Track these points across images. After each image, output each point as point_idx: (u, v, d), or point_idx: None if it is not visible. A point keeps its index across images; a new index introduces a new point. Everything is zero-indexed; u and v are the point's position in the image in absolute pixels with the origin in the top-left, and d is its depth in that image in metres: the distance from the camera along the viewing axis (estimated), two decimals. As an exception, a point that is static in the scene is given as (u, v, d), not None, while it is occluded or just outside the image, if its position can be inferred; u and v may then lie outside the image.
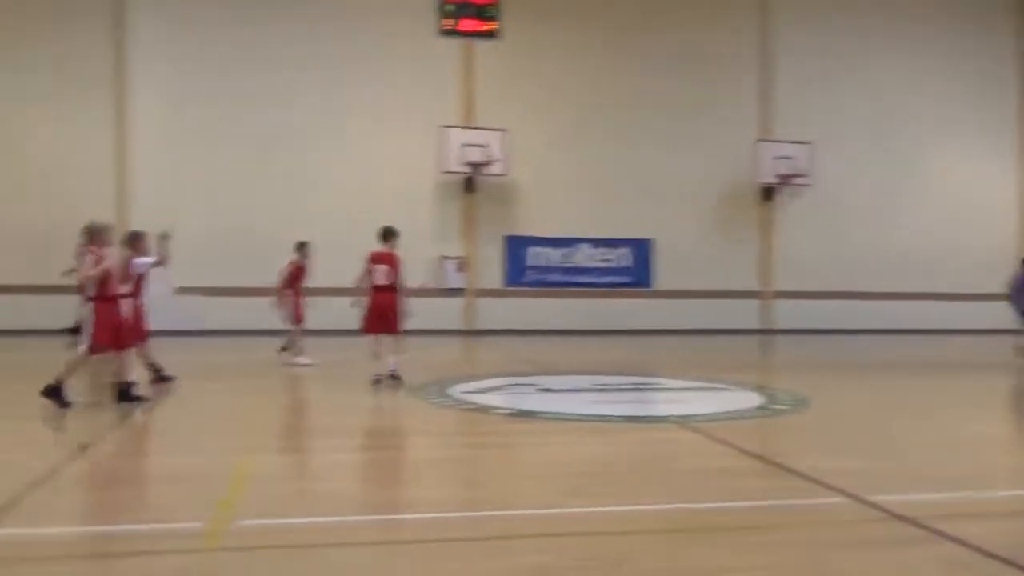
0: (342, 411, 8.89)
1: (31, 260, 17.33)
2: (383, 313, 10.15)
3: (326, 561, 4.08)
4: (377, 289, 10.15)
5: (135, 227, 17.17)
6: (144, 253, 9.65)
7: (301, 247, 13.31)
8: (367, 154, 19.21)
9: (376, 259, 10.20)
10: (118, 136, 18.16)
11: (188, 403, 9.06)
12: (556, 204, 20.51)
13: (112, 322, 8.38)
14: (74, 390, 8.63)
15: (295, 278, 13.00)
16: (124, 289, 8.83)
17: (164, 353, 13.53)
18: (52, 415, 8.01)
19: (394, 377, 10.27)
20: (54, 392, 8.15)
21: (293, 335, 12.98)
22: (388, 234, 10.29)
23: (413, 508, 5.07)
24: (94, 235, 8.47)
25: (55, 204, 17.37)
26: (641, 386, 11.12)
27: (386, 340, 10.41)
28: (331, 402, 9.51)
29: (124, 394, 8.53)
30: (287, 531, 4.51)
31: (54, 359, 10.03)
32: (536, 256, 20.58)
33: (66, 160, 17.91)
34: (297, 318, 12.88)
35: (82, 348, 8.42)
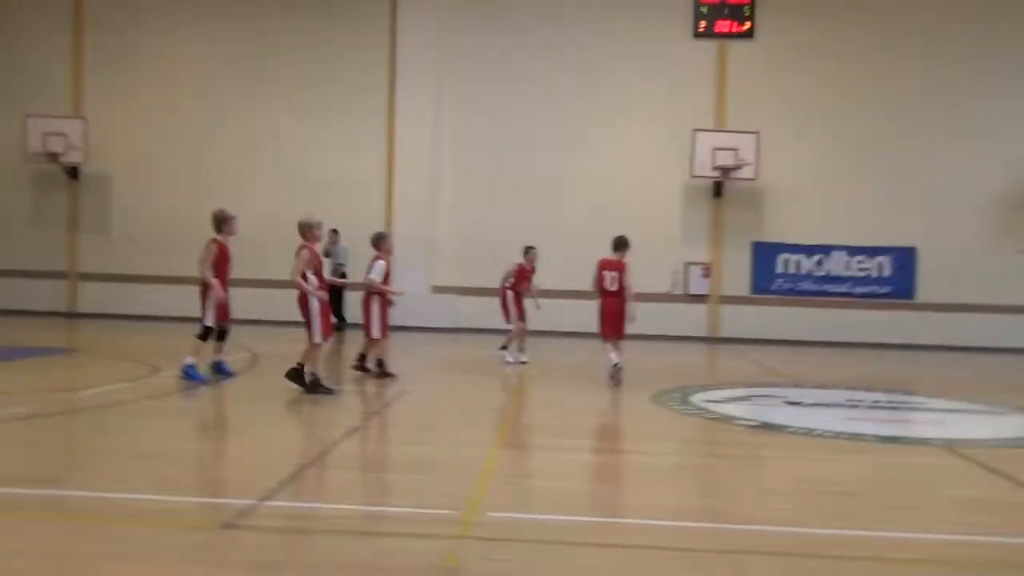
0: (582, 411, 9.07)
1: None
2: (611, 317, 10.54)
3: (572, 560, 4.21)
4: (606, 294, 10.57)
5: (401, 230, 18.62)
6: (388, 252, 10.72)
7: (528, 251, 13.70)
8: (617, 158, 19.34)
9: (606, 266, 10.61)
10: (388, 144, 19.52)
11: (441, 394, 9.61)
12: (808, 209, 19.58)
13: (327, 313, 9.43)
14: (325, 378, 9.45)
15: (519, 280, 13.43)
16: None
17: (418, 347, 14.45)
18: (316, 399, 8.82)
19: (614, 375, 10.42)
20: (295, 376, 9.06)
21: (514, 334, 13.29)
22: (620, 244, 10.66)
23: (653, 514, 5.09)
24: (305, 231, 9.28)
25: (331, 211, 18.97)
26: (900, 404, 10.38)
27: (613, 341, 10.65)
28: (570, 401, 9.72)
29: (315, 385, 9.03)
30: (533, 526, 4.70)
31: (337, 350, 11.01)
32: (786, 263, 19.77)
33: (340, 169, 19.50)
34: (519, 317, 13.21)
35: (316, 338, 9.15)
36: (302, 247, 9.20)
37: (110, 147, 19.49)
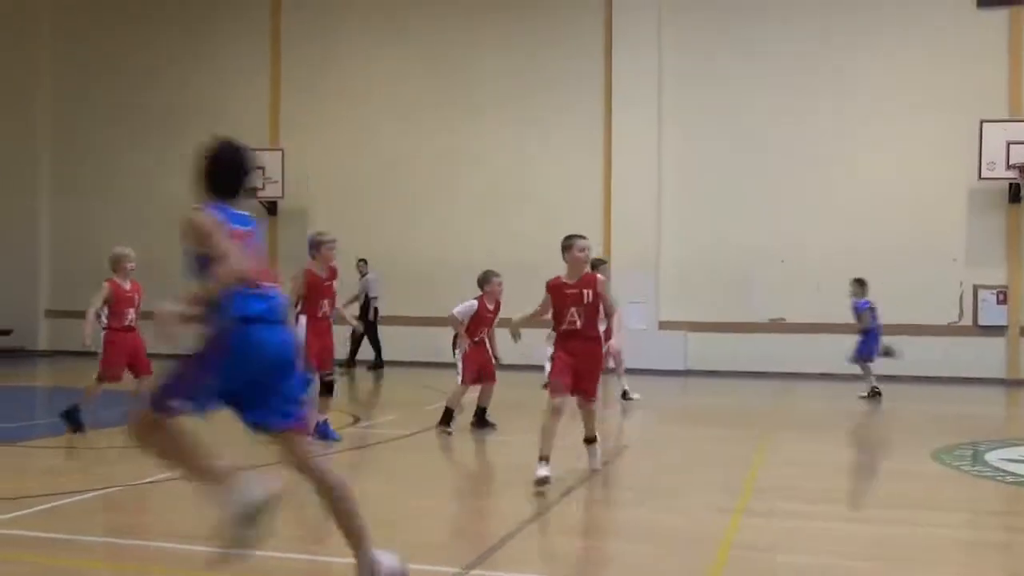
0: (843, 470, 8.63)
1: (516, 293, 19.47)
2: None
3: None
4: None
5: (621, 256, 18.66)
6: (493, 295, 10.76)
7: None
8: (879, 161, 18.38)
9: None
10: (604, 163, 19.70)
11: (670, 448, 9.49)
12: None
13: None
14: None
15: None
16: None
17: (643, 392, 14.35)
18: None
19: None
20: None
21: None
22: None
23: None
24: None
25: (541, 237, 19.38)
26: None
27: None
28: (828, 458, 9.27)
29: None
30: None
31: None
32: (1110, 283, 17.99)
33: (552, 189, 19.87)
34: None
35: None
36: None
37: (306, 179, 20.99)
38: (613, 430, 11.81)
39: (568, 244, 7.80)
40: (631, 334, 14.07)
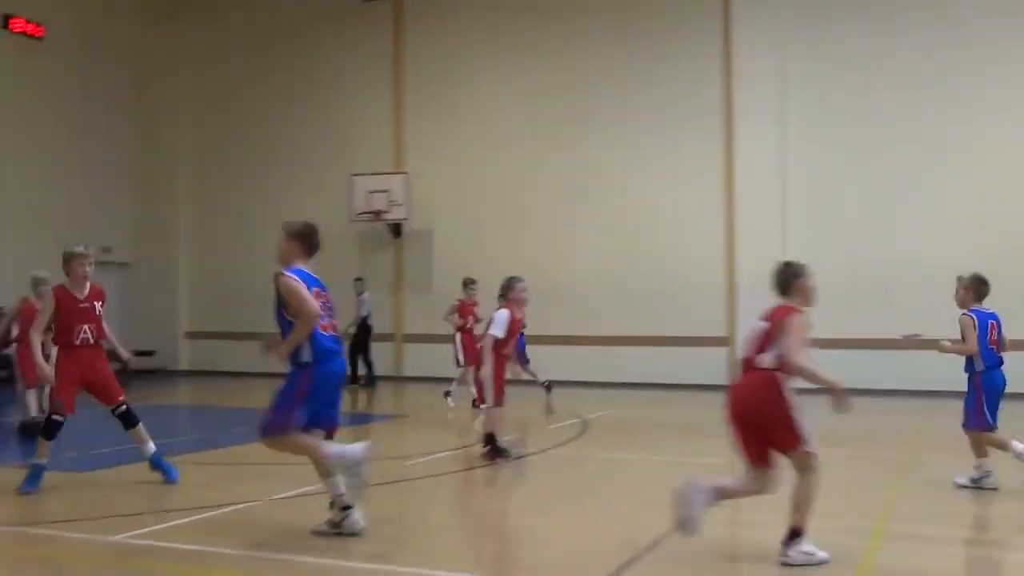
0: (998, 497, 8.15)
1: (640, 310, 19.26)
2: None
3: None
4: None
5: (746, 272, 18.20)
6: (518, 303, 9.85)
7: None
8: (1020, 172, 17.45)
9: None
10: (726, 173, 19.28)
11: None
12: None
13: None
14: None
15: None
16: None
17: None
18: (657, 474, 8.77)
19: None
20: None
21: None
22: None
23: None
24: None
25: (662, 252, 19.14)
26: None
27: None
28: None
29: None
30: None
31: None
32: None
33: (673, 204, 19.53)
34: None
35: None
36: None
37: (430, 201, 21.24)
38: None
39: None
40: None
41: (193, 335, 23.76)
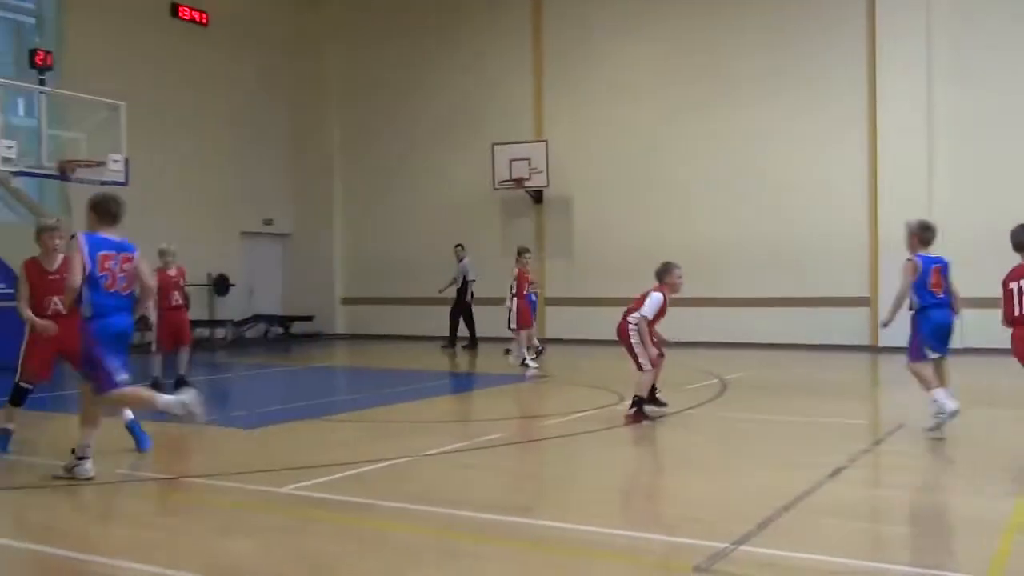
0: None
1: (787, 274, 18.81)
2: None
3: None
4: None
5: (888, 240, 17.43)
6: (673, 288, 9.92)
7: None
8: None
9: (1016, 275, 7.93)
10: (870, 130, 18.51)
11: (954, 429, 8.84)
12: None
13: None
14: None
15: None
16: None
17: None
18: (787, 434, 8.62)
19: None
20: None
21: None
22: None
23: None
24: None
25: (801, 219, 18.59)
26: None
27: None
28: None
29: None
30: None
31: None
32: None
33: (812, 168, 18.91)
34: None
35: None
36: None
37: (569, 168, 21.22)
38: (894, 408, 11.30)
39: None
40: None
41: (348, 301, 24.57)
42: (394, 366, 13.96)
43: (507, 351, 16.14)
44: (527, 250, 16.54)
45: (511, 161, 21.25)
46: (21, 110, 18.49)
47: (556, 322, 21.59)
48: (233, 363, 17.60)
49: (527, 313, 15.62)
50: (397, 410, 10.88)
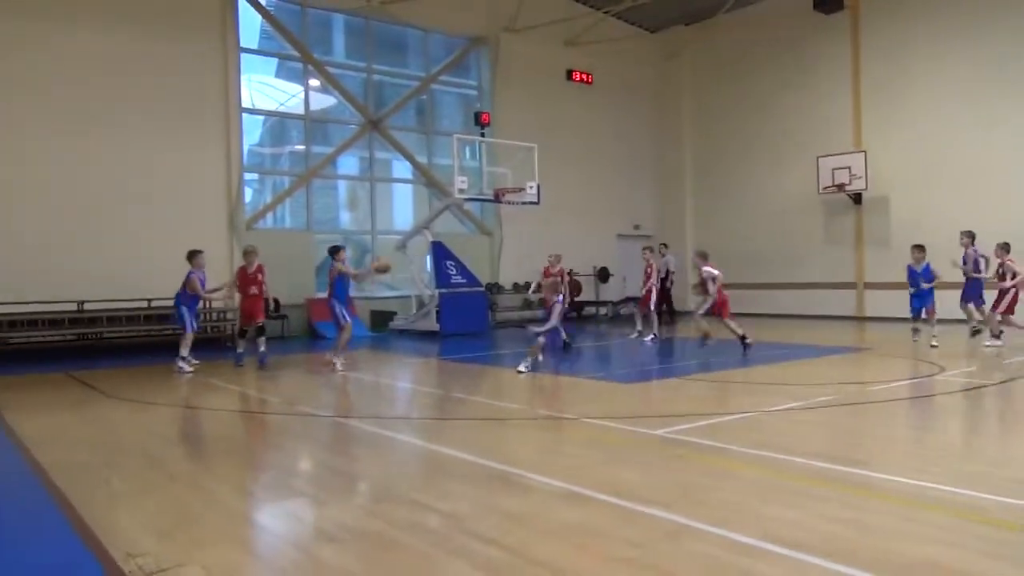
0: None
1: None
2: None
3: None
4: None
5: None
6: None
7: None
8: None
9: None
10: None
11: None
12: None
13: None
14: None
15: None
16: None
17: None
18: None
19: None
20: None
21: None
22: None
23: None
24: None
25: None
26: None
27: None
28: None
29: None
30: None
31: None
32: None
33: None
34: None
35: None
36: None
37: (887, 172, 19.33)
38: None
39: None
40: None
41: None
42: (729, 337, 13.32)
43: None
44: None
45: (833, 170, 19.79)
46: (468, 155, 20.41)
47: (873, 302, 19.80)
48: (613, 333, 18.09)
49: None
50: (737, 374, 10.53)
